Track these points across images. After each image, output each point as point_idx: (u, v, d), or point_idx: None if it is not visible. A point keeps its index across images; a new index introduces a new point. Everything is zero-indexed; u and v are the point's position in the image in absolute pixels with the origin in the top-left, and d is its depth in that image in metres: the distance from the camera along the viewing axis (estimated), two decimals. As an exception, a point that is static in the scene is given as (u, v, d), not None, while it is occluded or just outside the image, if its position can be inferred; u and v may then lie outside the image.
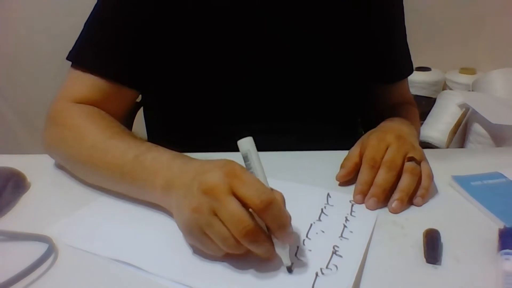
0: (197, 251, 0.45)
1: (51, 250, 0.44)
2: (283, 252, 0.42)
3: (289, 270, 0.42)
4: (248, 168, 0.43)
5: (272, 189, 0.43)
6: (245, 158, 0.43)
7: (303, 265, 0.43)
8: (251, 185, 0.40)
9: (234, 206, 0.40)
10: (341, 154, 0.62)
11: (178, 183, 0.46)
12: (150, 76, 0.67)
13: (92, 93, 0.62)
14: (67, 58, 0.64)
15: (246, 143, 0.43)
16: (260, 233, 0.40)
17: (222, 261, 0.43)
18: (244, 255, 0.42)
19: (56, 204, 0.55)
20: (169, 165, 0.49)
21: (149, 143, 0.54)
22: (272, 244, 0.42)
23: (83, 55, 0.63)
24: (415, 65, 0.85)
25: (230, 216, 0.39)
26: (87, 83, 0.62)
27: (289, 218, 0.42)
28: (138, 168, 0.51)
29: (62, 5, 1.61)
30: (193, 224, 0.42)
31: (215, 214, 0.40)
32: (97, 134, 0.57)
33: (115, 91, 0.63)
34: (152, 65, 0.66)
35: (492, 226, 0.49)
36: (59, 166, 0.62)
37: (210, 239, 0.41)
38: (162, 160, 0.50)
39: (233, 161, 0.43)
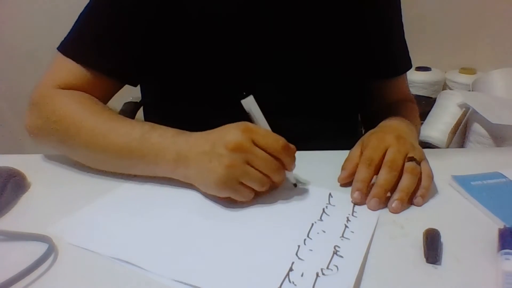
0: (197, 247, 0.46)
1: (51, 250, 0.44)
2: (290, 174, 0.56)
3: (295, 185, 0.57)
4: (252, 119, 0.54)
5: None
6: (249, 113, 0.53)
7: (304, 265, 0.43)
8: (267, 136, 0.51)
9: (263, 154, 0.50)
10: (342, 154, 0.62)
11: (193, 154, 0.52)
12: (140, 69, 0.68)
13: (75, 80, 0.63)
14: (57, 48, 0.65)
15: (247, 102, 0.53)
16: (282, 166, 0.53)
17: (221, 259, 0.44)
18: (266, 192, 0.54)
19: (56, 204, 0.55)
20: (174, 140, 0.54)
21: (151, 123, 0.58)
22: (284, 171, 0.54)
23: (69, 44, 0.65)
24: (415, 65, 0.86)
25: (264, 161, 0.51)
26: (70, 70, 0.63)
27: (295, 150, 0.53)
28: (146, 144, 0.55)
29: (62, 5, 1.61)
30: (229, 178, 0.50)
31: (248, 164, 0.50)
32: (95, 118, 0.59)
33: (94, 79, 0.64)
34: (144, 60, 0.67)
35: (492, 226, 0.49)
36: (60, 166, 0.62)
37: (244, 186, 0.51)
38: (167, 136, 0.55)
39: (240, 122, 0.52)
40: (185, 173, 0.54)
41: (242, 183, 0.51)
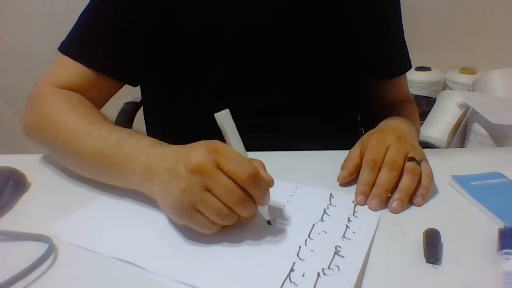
0: (192, 244, 0.46)
1: (51, 250, 0.44)
2: (263, 209, 0.48)
3: (269, 223, 0.49)
4: (224, 137, 0.46)
5: (251, 159, 0.47)
6: (222, 130, 0.46)
7: (305, 265, 0.43)
8: (234, 161, 0.44)
9: (225, 180, 0.43)
10: (342, 154, 0.62)
11: (158, 169, 0.47)
12: (139, 70, 0.68)
13: (74, 79, 0.63)
14: (58, 48, 0.65)
15: (220, 116, 0.45)
16: (250, 199, 0.45)
17: (219, 255, 0.45)
18: (232, 226, 0.46)
19: (56, 204, 0.55)
20: (147, 151, 0.50)
21: (131, 130, 0.56)
22: (256, 206, 0.46)
23: (69, 43, 0.65)
24: (415, 65, 0.86)
25: (224, 189, 0.43)
26: (70, 69, 0.63)
27: (270, 182, 0.46)
28: (119, 152, 0.52)
29: (62, 5, 1.61)
30: (184, 203, 0.44)
31: (207, 190, 0.43)
32: (77, 119, 0.57)
33: (95, 79, 0.64)
34: (143, 61, 0.67)
35: (492, 226, 0.49)
36: (60, 166, 0.62)
37: (202, 215, 0.44)
38: (141, 146, 0.51)
39: (212, 140, 0.46)
40: (150, 188, 0.49)
41: (199, 211, 0.44)
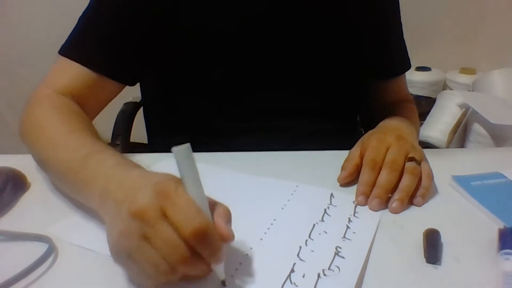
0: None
1: (51, 250, 0.44)
2: (216, 267, 0.39)
3: (223, 284, 0.40)
4: (181, 177, 0.39)
5: (215, 203, 0.40)
6: (178, 168, 0.38)
7: (305, 266, 0.43)
8: (182, 210, 0.36)
9: (167, 233, 0.36)
10: (342, 154, 0.62)
11: (112, 196, 0.42)
12: (139, 71, 0.68)
13: (72, 81, 0.63)
14: (58, 51, 0.64)
15: (178, 152, 0.38)
16: (197, 258, 0.37)
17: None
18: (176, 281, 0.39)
19: (56, 204, 0.55)
20: (109, 172, 0.45)
21: (105, 145, 0.52)
22: (208, 263, 0.38)
23: (69, 45, 0.65)
24: (415, 65, 0.86)
25: (165, 243, 0.36)
26: (70, 72, 0.63)
27: (228, 239, 0.38)
28: (82, 168, 0.48)
29: (62, 5, 1.61)
30: (120, 249, 0.38)
31: (146, 239, 0.36)
32: (57, 127, 0.56)
33: (96, 82, 0.63)
34: (143, 62, 0.67)
35: (492, 226, 0.49)
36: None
37: (139, 265, 0.37)
38: (105, 165, 0.47)
39: (170, 178, 0.39)
40: (104, 214, 0.44)
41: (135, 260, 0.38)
